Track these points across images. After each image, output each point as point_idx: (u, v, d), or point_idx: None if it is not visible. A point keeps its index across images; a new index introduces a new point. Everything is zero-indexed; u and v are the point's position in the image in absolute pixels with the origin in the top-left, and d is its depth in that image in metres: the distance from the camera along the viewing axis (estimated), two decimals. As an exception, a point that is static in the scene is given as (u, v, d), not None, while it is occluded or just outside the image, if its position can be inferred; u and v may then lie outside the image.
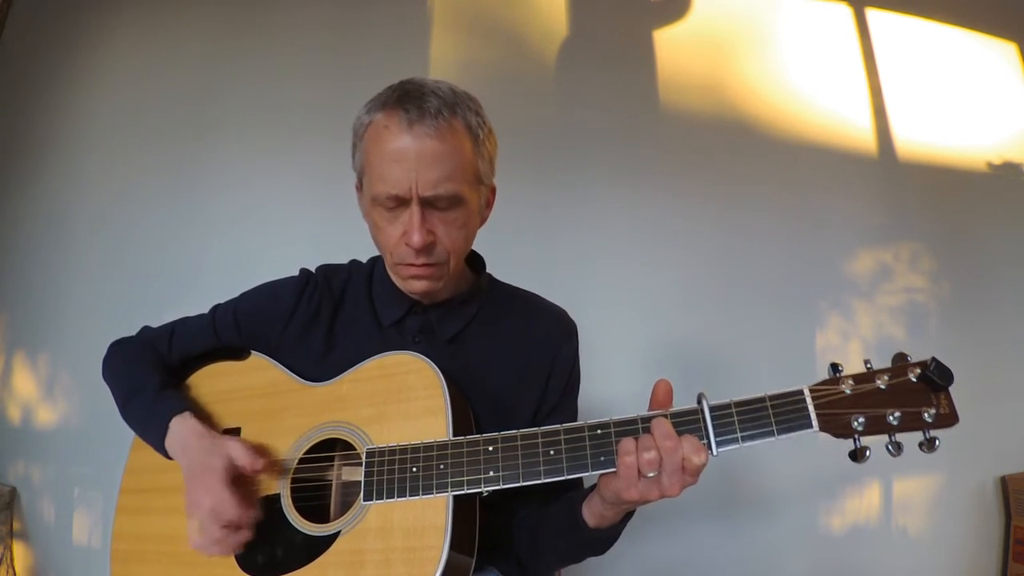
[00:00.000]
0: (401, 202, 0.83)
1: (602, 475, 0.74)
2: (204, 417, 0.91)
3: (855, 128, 2.22)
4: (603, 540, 0.83)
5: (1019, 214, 2.23)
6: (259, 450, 0.86)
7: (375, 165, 0.84)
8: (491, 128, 0.90)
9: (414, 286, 0.88)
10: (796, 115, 2.19)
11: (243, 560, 0.83)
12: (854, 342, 2.06)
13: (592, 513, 0.79)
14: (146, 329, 1.04)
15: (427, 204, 0.83)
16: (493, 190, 0.95)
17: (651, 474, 0.68)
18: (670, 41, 2.21)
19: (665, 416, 0.71)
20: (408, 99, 0.82)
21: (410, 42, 2.08)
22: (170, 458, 0.89)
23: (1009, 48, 2.41)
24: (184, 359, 1.00)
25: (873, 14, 2.34)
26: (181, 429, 0.87)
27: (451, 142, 0.82)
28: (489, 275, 1.04)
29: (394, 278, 0.92)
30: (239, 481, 0.82)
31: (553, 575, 1.04)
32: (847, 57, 2.29)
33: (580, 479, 0.91)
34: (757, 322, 2.01)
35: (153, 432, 0.89)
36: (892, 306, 2.10)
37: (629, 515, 0.80)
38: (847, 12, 2.33)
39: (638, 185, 2.07)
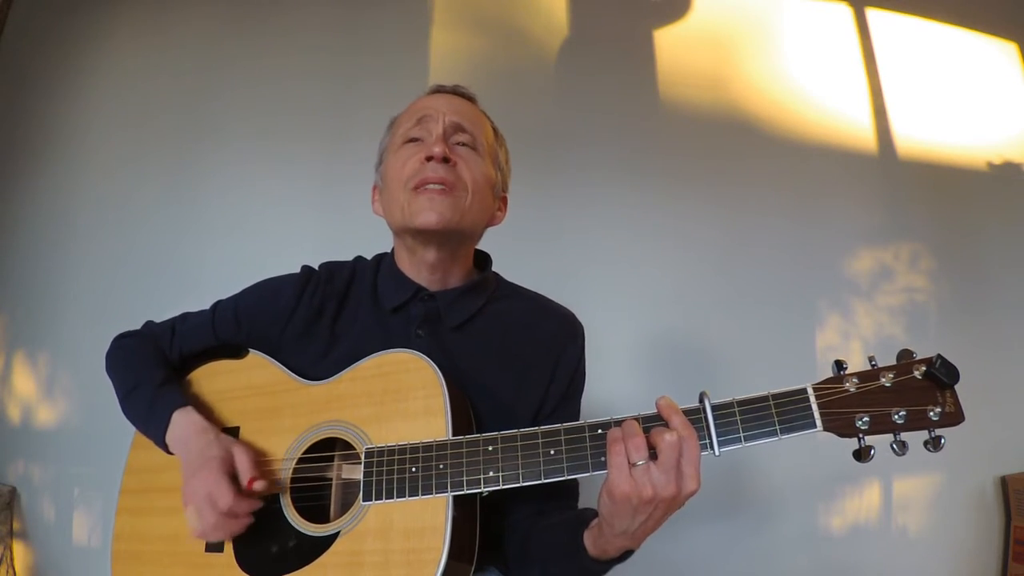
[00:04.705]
0: (426, 128, 0.92)
1: (601, 487, 0.72)
2: (205, 414, 0.91)
3: (855, 128, 2.22)
4: (596, 572, 0.78)
5: (1019, 214, 2.23)
6: (260, 462, 0.86)
7: (404, 119, 0.96)
8: (508, 151, 1.02)
9: (427, 215, 0.86)
10: (796, 115, 2.19)
11: (243, 560, 0.83)
12: (854, 342, 2.06)
13: (594, 542, 0.75)
14: (149, 324, 1.03)
15: (451, 133, 0.92)
16: (505, 200, 1.01)
17: (640, 462, 0.65)
18: (671, 41, 2.21)
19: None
20: (441, 85, 0.99)
21: (410, 42, 2.08)
22: (170, 452, 0.89)
23: (1009, 48, 2.41)
24: (185, 356, 1.00)
25: (873, 14, 2.34)
26: (183, 423, 0.87)
27: (478, 114, 0.98)
28: (495, 273, 1.03)
29: (407, 218, 0.88)
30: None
31: None
32: (847, 57, 2.29)
33: (576, 480, 0.91)
34: (757, 322, 2.01)
35: (154, 425, 0.89)
36: (892, 306, 2.10)
37: (627, 554, 0.76)
38: (847, 12, 2.33)
39: (638, 184, 2.07)
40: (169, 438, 0.88)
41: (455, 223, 0.88)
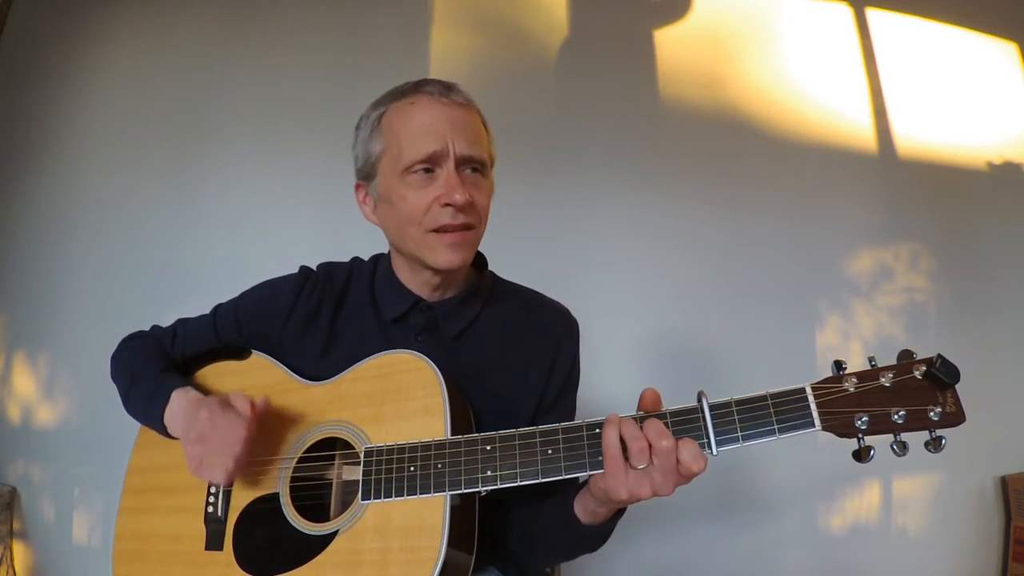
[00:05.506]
0: (436, 163, 0.85)
1: (592, 474, 0.73)
2: None
3: (855, 128, 2.22)
4: (595, 537, 0.82)
5: (1019, 214, 2.23)
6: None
7: (403, 137, 0.86)
8: (491, 130, 0.95)
9: (450, 258, 0.86)
10: (796, 115, 2.19)
11: (242, 558, 0.84)
12: (854, 342, 2.06)
13: (584, 510, 0.78)
14: (155, 328, 1.05)
15: (461, 165, 0.86)
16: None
17: (641, 466, 0.67)
18: (671, 40, 2.21)
19: (662, 417, 0.70)
20: (427, 83, 0.89)
21: (410, 42, 2.08)
22: (170, 436, 0.89)
23: (1009, 48, 2.41)
24: (187, 359, 1.01)
25: (873, 14, 2.34)
26: (183, 399, 0.88)
27: (475, 117, 0.91)
28: (491, 273, 1.04)
29: (424, 254, 0.87)
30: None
31: (543, 570, 1.03)
32: (847, 57, 2.29)
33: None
34: (757, 322, 2.01)
35: (155, 408, 0.90)
36: (892, 306, 2.10)
37: (620, 512, 0.79)
38: (847, 12, 2.33)
39: (638, 184, 2.07)
40: (167, 416, 0.88)
41: (472, 256, 0.91)
